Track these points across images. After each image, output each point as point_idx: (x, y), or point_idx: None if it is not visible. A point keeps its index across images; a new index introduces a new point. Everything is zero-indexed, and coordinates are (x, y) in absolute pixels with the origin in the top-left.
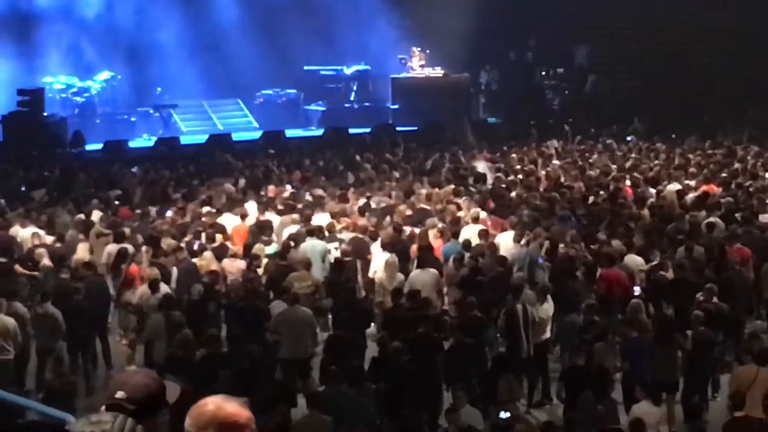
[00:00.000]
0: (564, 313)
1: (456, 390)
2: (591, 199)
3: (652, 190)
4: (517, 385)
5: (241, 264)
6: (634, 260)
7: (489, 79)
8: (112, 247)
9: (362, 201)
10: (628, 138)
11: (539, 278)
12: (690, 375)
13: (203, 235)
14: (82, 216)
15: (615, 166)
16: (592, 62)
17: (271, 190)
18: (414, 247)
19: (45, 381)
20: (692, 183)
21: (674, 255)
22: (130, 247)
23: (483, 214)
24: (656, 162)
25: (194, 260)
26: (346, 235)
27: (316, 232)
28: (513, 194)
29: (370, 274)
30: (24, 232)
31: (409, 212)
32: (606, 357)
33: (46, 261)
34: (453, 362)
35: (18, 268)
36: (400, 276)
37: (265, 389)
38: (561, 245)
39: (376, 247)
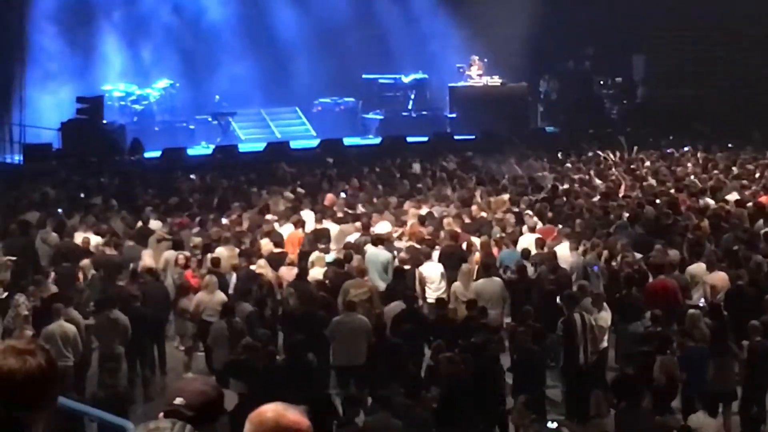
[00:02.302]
0: (626, 322)
1: (518, 402)
2: (649, 208)
3: (710, 200)
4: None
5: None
6: (700, 268)
7: (548, 88)
8: (170, 254)
9: (422, 210)
10: (685, 148)
11: (594, 287)
12: (748, 386)
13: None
14: (139, 223)
15: (673, 176)
16: (650, 71)
17: (329, 198)
18: (477, 256)
19: (93, 392)
20: (749, 192)
21: (731, 265)
22: (187, 254)
23: (540, 223)
24: (714, 171)
25: (251, 268)
26: (403, 244)
27: (379, 241)
28: (571, 203)
29: (418, 285)
30: (81, 239)
31: (467, 221)
32: (674, 368)
33: (92, 271)
34: (520, 372)
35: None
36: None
37: (321, 397)
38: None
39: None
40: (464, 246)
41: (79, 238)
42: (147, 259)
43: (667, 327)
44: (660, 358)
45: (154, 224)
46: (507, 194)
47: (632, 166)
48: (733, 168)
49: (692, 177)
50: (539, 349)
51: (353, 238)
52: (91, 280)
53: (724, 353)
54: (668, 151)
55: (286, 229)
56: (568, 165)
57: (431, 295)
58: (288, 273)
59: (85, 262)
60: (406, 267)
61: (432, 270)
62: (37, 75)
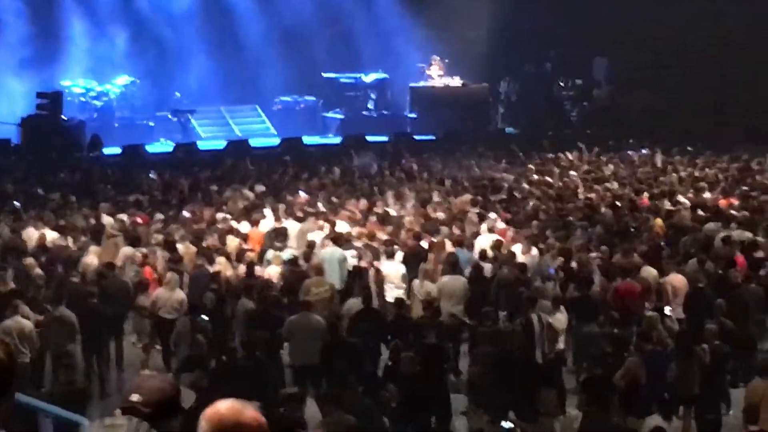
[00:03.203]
0: (582, 324)
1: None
2: (607, 210)
3: (668, 203)
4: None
5: (258, 270)
6: (650, 272)
7: (509, 89)
8: (128, 250)
9: (380, 209)
10: (644, 150)
11: (550, 288)
12: (705, 389)
13: (219, 239)
14: (103, 219)
15: (631, 178)
16: (611, 73)
17: (301, 198)
18: (431, 256)
19: (52, 387)
20: (709, 196)
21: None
22: (144, 251)
23: (499, 224)
24: (673, 174)
25: (209, 266)
26: (360, 243)
27: (337, 240)
28: (528, 204)
29: (374, 284)
30: (38, 235)
31: (422, 221)
32: (639, 371)
33: (37, 270)
34: (485, 371)
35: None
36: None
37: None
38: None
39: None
40: (426, 245)
41: (35, 234)
42: (91, 255)
43: (625, 329)
44: (628, 360)
45: (106, 220)
46: (468, 195)
47: (591, 168)
48: (695, 171)
49: (650, 180)
50: (507, 350)
51: (314, 236)
52: (38, 279)
53: (689, 356)
54: (628, 153)
55: (245, 227)
56: (531, 166)
57: (391, 294)
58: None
59: (29, 260)
60: (363, 265)
61: (393, 269)
62: None
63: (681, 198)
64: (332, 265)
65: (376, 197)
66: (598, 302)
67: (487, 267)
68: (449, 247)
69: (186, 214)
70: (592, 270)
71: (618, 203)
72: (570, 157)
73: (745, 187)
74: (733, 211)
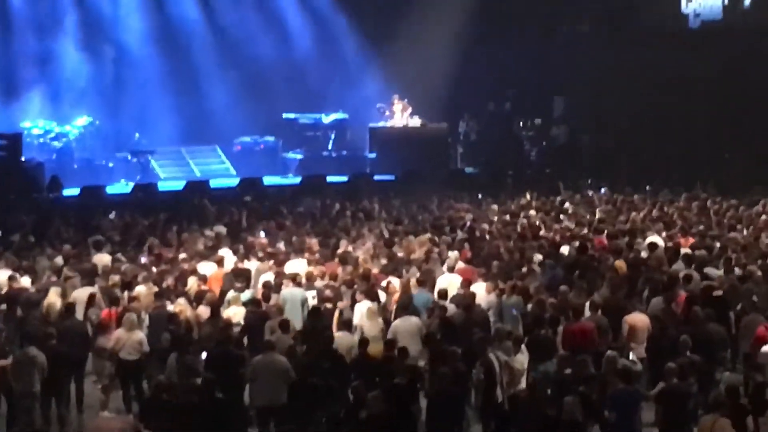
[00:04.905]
0: (538, 363)
1: None
2: (567, 250)
3: (627, 242)
4: None
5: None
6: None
7: (467, 129)
8: (78, 293)
9: (341, 249)
10: (602, 190)
11: (513, 329)
12: (664, 428)
13: (178, 281)
14: (56, 261)
15: (590, 218)
16: (570, 113)
17: (259, 243)
18: (395, 297)
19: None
20: (667, 235)
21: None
22: (96, 292)
23: (460, 264)
24: (633, 213)
25: (169, 307)
26: (320, 283)
27: (295, 280)
28: (490, 244)
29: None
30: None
31: (384, 261)
32: (576, 410)
33: None
34: (439, 413)
35: None
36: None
37: None
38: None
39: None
40: (384, 284)
41: None
42: (52, 296)
43: (584, 368)
44: (565, 400)
45: (58, 261)
46: (428, 234)
47: (548, 208)
48: (653, 211)
49: (610, 219)
50: (458, 391)
51: (268, 277)
52: None
53: None
54: (587, 192)
55: (206, 268)
56: (494, 207)
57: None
58: (207, 311)
59: None
60: (329, 306)
61: (362, 308)
62: None
63: (640, 238)
64: (294, 305)
65: (336, 237)
66: (552, 341)
67: (451, 308)
68: (411, 287)
69: (144, 258)
70: (548, 310)
71: (577, 243)
72: (528, 197)
73: (702, 227)
74: (687, 250)
